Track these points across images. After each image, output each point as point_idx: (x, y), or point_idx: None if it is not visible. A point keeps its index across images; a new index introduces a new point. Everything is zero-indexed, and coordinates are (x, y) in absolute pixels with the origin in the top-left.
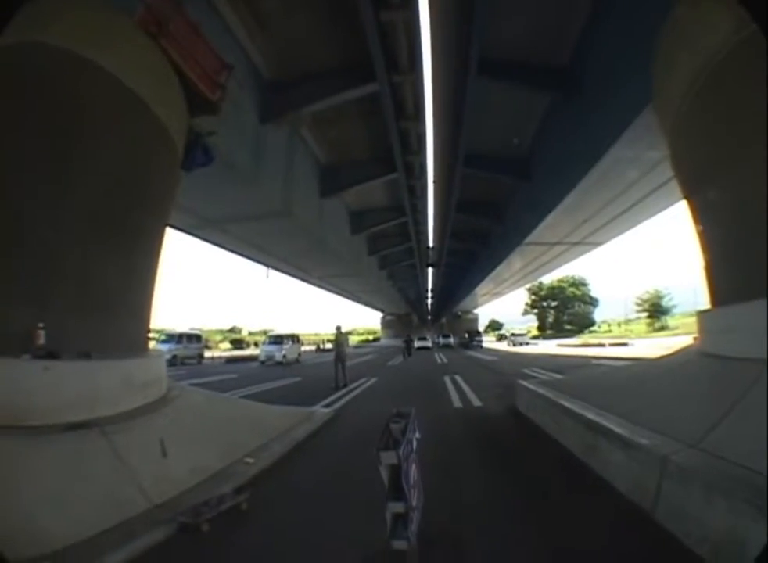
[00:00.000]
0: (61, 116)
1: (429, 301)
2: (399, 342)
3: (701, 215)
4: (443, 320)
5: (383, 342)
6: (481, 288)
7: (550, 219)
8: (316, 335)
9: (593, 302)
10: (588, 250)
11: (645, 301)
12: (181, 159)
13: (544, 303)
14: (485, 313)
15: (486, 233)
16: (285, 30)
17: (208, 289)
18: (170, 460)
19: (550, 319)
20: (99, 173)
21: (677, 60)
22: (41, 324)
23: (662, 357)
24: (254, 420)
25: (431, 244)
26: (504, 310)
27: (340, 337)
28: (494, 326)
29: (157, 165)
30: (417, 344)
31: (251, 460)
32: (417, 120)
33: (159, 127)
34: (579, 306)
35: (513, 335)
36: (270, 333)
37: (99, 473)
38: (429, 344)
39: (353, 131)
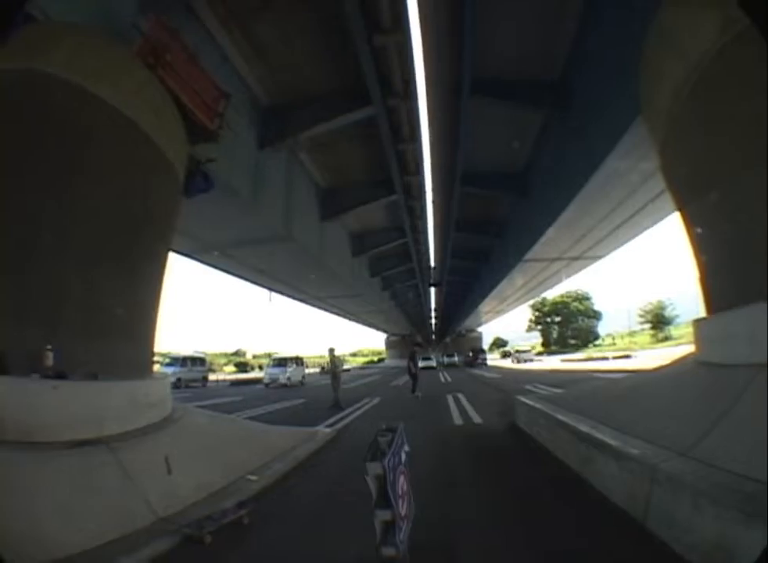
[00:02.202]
0: (64, 145)
1: (433, 321)
2: (404, 363)
3: (693, 222)
4: (448, 339)
5: (388, 362)
6: (484, 306)
7: (549, 234)
8: (321, 357)
9: (596, 316)
10: (589, 264)
11: (648, 312)
12: (182, 186)
13: (548, 319)
14: (489, 331)
15: (487, 251)
16: (281, 56)
17: (212, 313)
18: (174, 476)
19: (555, 335)
20: (102, 200)
21: (663, 66)
22: (49, 346)
23: (658, 368)
24: (257, 439)
25: (433, 264)
26: (508, 328)
27: (334, 359)
28: (499, 343)
29: (158, 192)
30: (421, 364)
31: (254, 478)
32: (413, 141)
33: (160, 155)
34: (583, 321)
35: (517, 351)
36: (275, 356)
37: (106, 487)
38: (434, 363)
39: (350, 155)
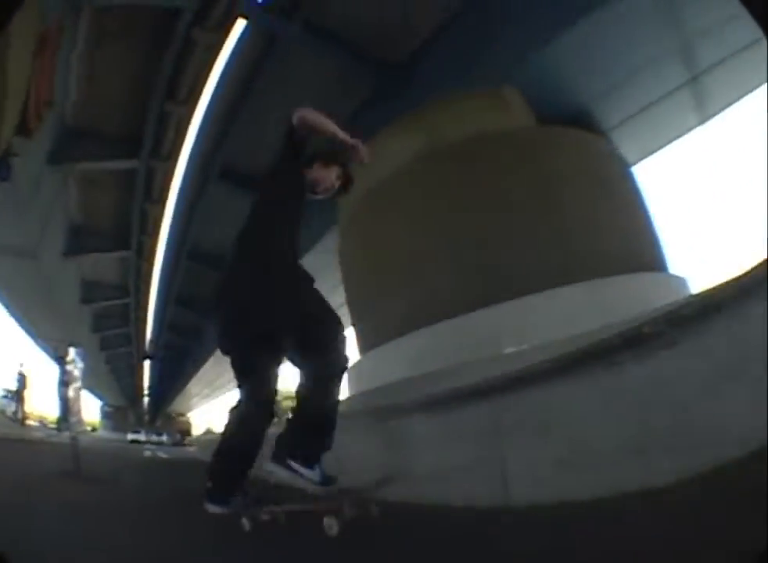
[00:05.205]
0: None
1: (146, 399)
2: (120, 436)
3: None
4: (158, 422)
5: (102, 433)
6: (193, 387)
7: None
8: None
9: None
10: None
11: None
12: None
13: None
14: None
15: (203, 330)
16: (104, 88)
17: None
18: None
19: None
20: None
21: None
22: None
23: None
24: None
25: (149, 334)
26: None
27: None
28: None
29: None
30: (130, 437)
31: None
32: (159, 204)
33: None
34: None
35: None
36: None
37: None
38: (143, 438)
39: (109, 200)
